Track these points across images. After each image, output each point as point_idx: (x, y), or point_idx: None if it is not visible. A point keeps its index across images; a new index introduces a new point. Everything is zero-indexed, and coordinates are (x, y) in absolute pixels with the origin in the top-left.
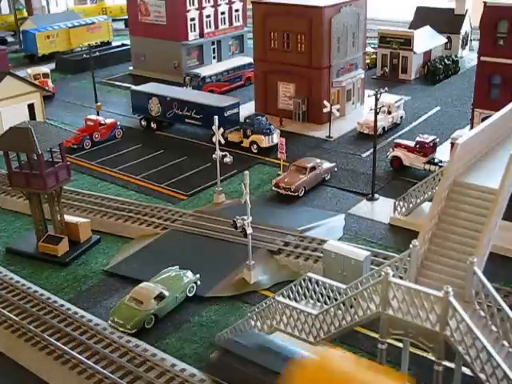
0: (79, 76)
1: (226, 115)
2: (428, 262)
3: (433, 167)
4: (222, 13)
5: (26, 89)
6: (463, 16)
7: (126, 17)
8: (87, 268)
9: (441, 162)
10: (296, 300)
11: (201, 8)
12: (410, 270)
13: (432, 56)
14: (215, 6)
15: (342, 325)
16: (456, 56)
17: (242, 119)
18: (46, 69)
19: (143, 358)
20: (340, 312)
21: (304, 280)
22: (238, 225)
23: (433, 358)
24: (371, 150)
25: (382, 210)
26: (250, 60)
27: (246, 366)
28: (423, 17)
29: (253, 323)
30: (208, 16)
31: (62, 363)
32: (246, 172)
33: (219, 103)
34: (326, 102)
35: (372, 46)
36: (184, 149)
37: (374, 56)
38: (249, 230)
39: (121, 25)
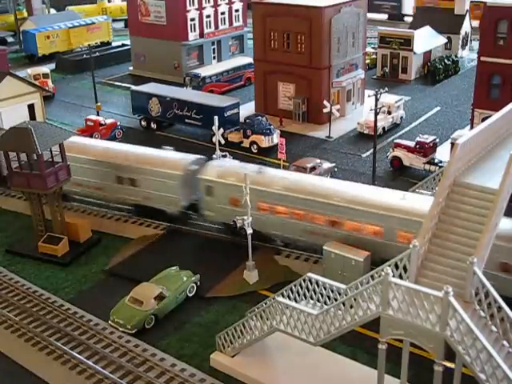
0: (79, 76)
1: (226, 115)
2: (428, 262)
3: (433, 167)
4: (222, 13)
5: (25, 89)
6: (463, 16)
7: (126, 17)
8: (87, 268)
9: (441, 162)
10: (296, 300)
11: (201, 8)
12: (410, 270)
13: (432, 56)
14: (215, 6)
15: (342, 325)
16: (456, 56)
17: (242, 119)
18: (45, 69)
19: (143, 357)
20: (340, 312)
21: (304, 280)
22: (238, 225)
23: (433, 358)
24: (371, 150)
25: None
26: (249, 60)
27: None
28: (423, 17)
29: (253, 323)
30: (208, 16)
31: (62, 363)
32: (246, 172)
33: (219, 103)
34: (325, 102)
35: (372, 46)
36: (184, 149)
37: (374, 56)
38: (249, 230)
39: (121, 25)
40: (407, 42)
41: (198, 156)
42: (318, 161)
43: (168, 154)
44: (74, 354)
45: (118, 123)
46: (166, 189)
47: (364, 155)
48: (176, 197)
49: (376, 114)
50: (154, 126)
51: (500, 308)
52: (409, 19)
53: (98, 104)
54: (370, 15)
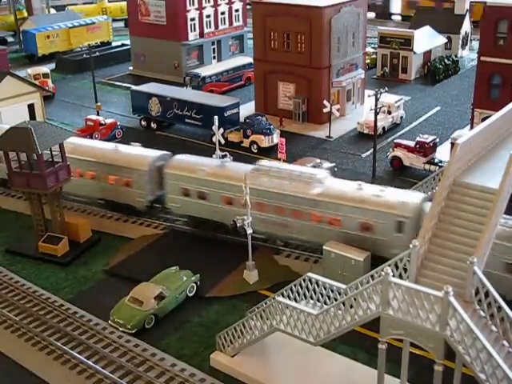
0: (79, 76)
1: (226, 115)
2: (428, 262)
3: (433, 167)
4: (222, 13)
5: (25, 89)
6: (463, 16)
7: (126, 17)
8: (87, 268)
9: (441, 162)
10: (296, 300)
11: (201, 8)
12: (410, 269)
13: (432, 56)
14: (215, 6)
15: (342, 325)
16: (456, 56)
17: (242, 119)
18: (46, 69)
19: (143, 357)
20: (340, 312)
21: (304, 280)
22: (238, 225)
23: (433, 358)
24: (371, 150)
25: None
26: (250, 60)
27: None
28: (423, 17)
29: (253, 323)
30: (208, 16)
31: (62, 363)
32: (247, 172)
33: (219, 103)
34: (325, 102)
35: (372, 46)
36: (184, 149)
37: (374, 56)
38: (249, 230)
39: (121, 25)
40: (407, 42)
41: None
42: (318, 160)
43: None
44: (74, 353)
45: (118, 123)
46: None
47: (364, 155)
48: None
49: (376, 113)
50: (154, 125)
51: (500, 308)
52: (396, 18)
53: (98, 104)
54: None
